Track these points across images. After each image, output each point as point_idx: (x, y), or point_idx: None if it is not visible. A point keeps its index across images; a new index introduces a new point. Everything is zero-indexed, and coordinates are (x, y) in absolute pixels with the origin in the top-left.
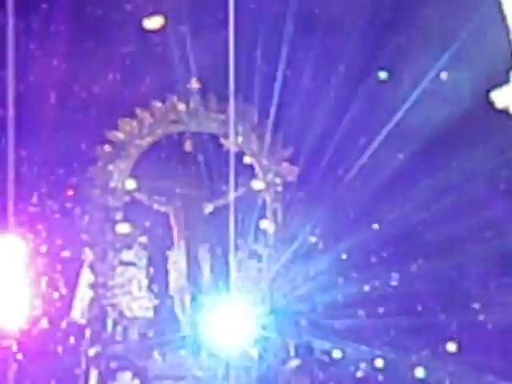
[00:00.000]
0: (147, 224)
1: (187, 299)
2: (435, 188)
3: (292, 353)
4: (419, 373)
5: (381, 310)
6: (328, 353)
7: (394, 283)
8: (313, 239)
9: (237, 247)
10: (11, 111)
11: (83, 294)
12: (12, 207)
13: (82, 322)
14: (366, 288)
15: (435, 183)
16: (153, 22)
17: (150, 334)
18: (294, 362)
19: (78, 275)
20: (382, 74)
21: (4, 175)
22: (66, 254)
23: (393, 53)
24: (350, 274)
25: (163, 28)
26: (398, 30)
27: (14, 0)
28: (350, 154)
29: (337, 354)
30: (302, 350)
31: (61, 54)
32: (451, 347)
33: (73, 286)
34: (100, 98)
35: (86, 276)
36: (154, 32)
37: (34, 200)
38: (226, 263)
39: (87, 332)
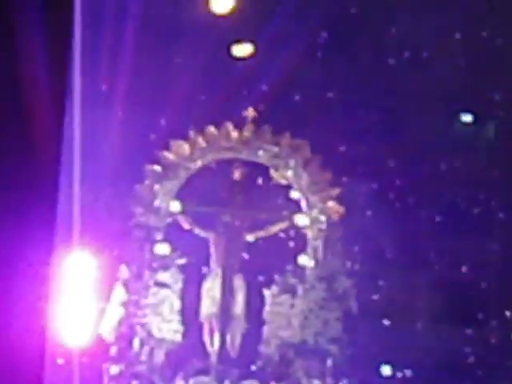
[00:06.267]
0: (186, 247)
1: (217, 327)
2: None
3: None
4: None
5: (412, 359)
6: None
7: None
8: (349, 281)
9: (272, 280)
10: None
11: (114, 312)
12: (77, 223)
13: (109, 339)
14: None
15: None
16: (238, 49)
17: (176, 357)
18: None
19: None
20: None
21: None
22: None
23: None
24: (381, 321)
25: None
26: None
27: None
28: (399, 197)
29: None
30: None
31: (120, 72)
32: None
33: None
34: (155, 117)
35: (119, 293)
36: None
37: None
38: (260, 296)
39: (112, 349)
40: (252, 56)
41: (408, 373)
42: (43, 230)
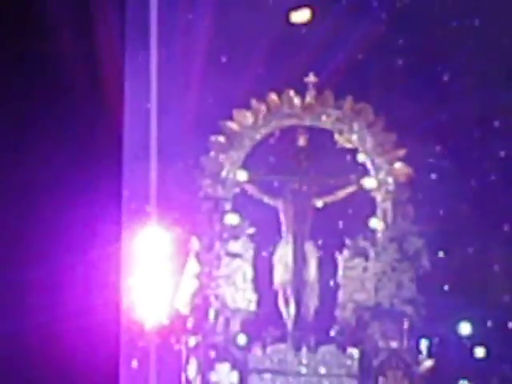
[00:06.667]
0: (255, 216)
1: (291, 294)
2: None
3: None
4: None
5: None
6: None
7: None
8: (421, 241)
9: (344, 245)
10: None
11: (188, 284)
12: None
13: (185, 311)
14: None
15: None
16: (297, 15)
17: (252, 326)
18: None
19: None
20: None
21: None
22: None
23: None
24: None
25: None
26: None
27: None
28: (462, 157)
29: None
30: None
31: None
32: None
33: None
34: (216, 88)
35: (192, 266)
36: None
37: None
38: (333, 260)
39: (189, 322)
40: (311, 22)
41: (486, 329)
42: (112, 206)
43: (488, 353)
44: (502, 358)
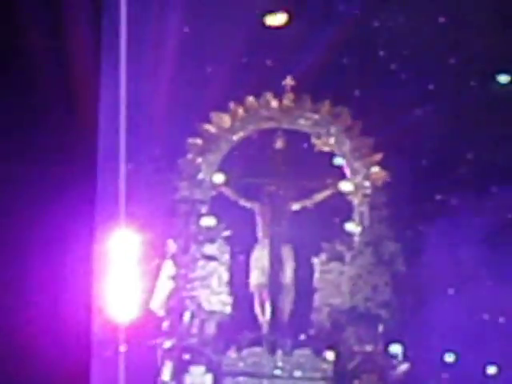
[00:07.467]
0: (232, 219)
1: (267, 297)
2: None
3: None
4: None
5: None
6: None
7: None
8: (396, 245)
9: (320, 248)
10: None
11: (164, 286)
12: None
13: (160, 313)
14: (451, 291)
15: None
16: (273, 19)
17: (227, 329)
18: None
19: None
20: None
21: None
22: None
23: None
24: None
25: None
26: None
27: None
28: (440, 159)
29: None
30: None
31: (162, 48)
32: None
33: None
34: (194, 90)
35: (168, 268)
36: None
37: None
38: (309, 264)
39: (164, 324)
40: (288, 25)
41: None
42: (85, 208)
43: (458, 357)
44: (473, 362)
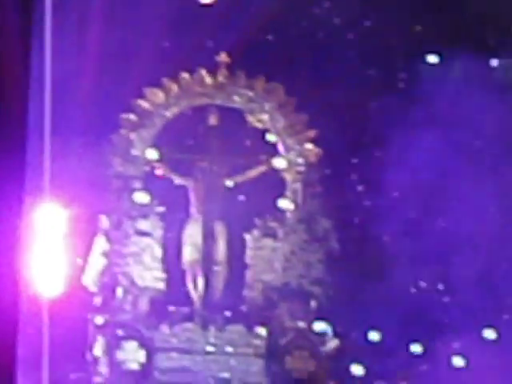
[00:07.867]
0: (165, 195)
1: (199, 274)
2: None
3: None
4: None
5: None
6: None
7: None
8: (329, 222)
9: (253, 225)
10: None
11: (96, 262)
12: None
13: (93, 289)
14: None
15: None
16: None
17: (160, 305)
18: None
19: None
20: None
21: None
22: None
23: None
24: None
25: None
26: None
27: None
28: (375, 138)
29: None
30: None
31: (92, 21)
32: None
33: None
34: (127, 66)
35: (100, 243)
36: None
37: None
38: (242, 240)
39: (97, 299)
40: (222, 0)
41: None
42: (13, 182)
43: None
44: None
